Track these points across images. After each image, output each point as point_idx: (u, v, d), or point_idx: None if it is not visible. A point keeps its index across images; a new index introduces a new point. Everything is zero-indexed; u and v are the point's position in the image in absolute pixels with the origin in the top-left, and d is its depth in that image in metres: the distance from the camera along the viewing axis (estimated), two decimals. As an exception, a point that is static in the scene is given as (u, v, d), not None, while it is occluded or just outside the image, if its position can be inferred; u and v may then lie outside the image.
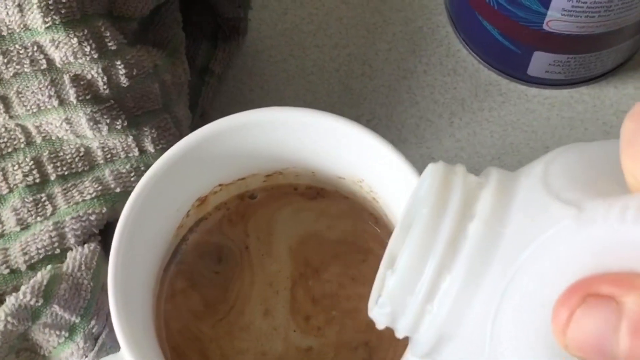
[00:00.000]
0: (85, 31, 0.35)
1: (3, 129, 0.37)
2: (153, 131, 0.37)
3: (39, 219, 0.36)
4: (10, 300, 0.33)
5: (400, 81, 0.45)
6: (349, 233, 0.36)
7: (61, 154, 0.36)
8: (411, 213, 0.25)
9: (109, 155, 0.36)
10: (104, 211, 0.35)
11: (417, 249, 0.23)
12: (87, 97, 0.35)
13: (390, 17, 0.47)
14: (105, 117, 0.35)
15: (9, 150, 0.36)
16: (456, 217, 0.23)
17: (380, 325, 0.25)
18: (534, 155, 0.43)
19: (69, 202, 0.36)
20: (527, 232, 0.22)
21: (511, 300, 0.22)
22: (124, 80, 0.36)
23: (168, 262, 0.36)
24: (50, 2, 0.34)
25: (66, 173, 0.36)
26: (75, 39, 0.35)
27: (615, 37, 0.41)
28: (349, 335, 0.34)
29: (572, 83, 0.45)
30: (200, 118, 0.42)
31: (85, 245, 0.35)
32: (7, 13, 0.35)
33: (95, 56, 0.35)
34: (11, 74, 0.35)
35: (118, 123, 0.36)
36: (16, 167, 0.36)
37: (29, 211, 0.36)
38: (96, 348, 0.35)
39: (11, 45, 0.35)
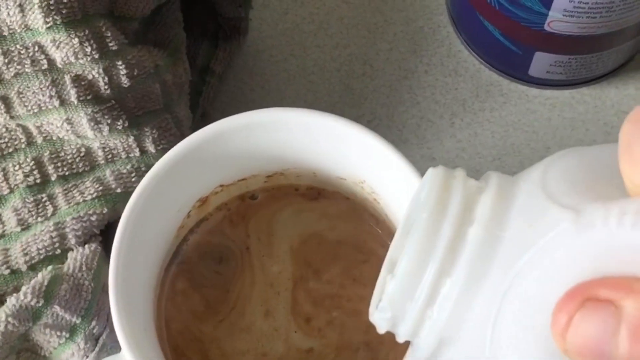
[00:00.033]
0: (87, 31, 0.35)
1: (4, 129, 0.37)
2: (154, 131, 0.37)
3: (39, 219, 0.36)
4: (11, 300, 0.33)
5: (401, 81, 0.45)
6: (350, 234, 0.36)
7: (62, 154, 0.36)
8: (411, 218, 0.25)
9: (109, 156, 0.36)
10: (104, 212, 0.35)
11: (416, 254, 0.23)
12: (88, 97, 0.35)
13: (391, 17, 0.47)
14: (106, 117, 0.35)
15: (10, 150, 0.36)
16: (456, 222, 0.23)
17: (381, 330, 0.25)
18: (535, 156, 0.44)
19: (70, 203, 0.36)
20: (527, 236, 0.22)
21: (511, 304, 0.22)
22: (125, 81, 0.36)
23: (169, 262, 0.36)
24: (51, 2, 0.34)
25: (67, 173, 0.36)
26: (77, 39, 0.35)
27: (617, 38, 0.41)
28: (350, 336, 0.34)
29: (573, 84, 0.45)
30: (201, 118, 0.42)
31: (86, 246, 0.35)
32: (9, 13, 0.35)
33: (97, 56, 0.35)
34: (12, 74, 0.35)
35: (119, 123, 0.36)
36: (17, 167, 0.36)
37: (29, 211, 0.36)
38: (97, 349, 0.35)
39: (12, 45, 0.35)
